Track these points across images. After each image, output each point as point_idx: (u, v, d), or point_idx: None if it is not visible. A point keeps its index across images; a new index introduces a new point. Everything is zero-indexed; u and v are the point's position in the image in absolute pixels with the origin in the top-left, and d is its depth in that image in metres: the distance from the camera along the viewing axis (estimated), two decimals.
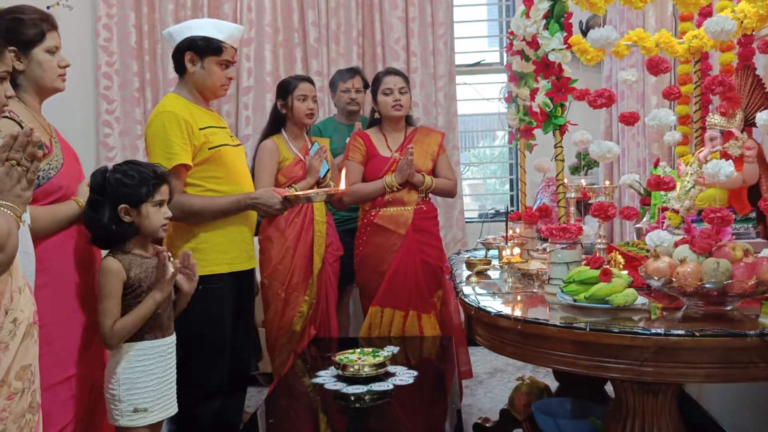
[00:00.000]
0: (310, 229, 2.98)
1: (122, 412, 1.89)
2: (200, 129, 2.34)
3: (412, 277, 3.05)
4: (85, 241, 1.96)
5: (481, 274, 2.52)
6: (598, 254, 2.12)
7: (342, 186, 2.68)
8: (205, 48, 2.37)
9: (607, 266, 1.80)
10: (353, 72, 3.68)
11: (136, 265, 1.95)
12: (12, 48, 1.86)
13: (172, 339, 2.03)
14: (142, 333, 1.94)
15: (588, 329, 1.59)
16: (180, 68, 2.42)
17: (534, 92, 2.65)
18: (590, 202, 2.34)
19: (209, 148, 2.35)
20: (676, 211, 2.39)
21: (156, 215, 1.97)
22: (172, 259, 2.03)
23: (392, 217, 3.06)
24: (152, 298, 1.93)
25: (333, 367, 2.38)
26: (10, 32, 1.86)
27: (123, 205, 1.91)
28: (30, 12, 1.92)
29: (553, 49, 2.07)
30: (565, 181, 2.17)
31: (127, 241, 1.95)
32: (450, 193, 3.25)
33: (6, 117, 1.79)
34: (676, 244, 1.79)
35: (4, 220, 1.24)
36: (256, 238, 2.82)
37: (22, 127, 1.79)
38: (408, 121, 3.20)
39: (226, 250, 2.40)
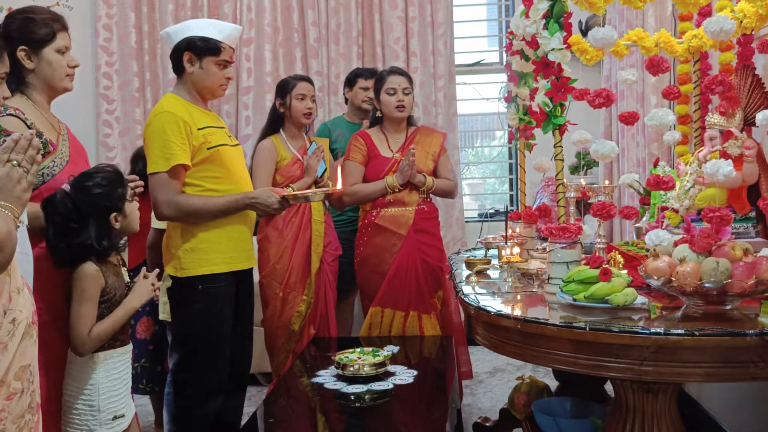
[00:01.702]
0: (308, 228, 2.98)
1: (101, 421, 1.85)
2: (199, 129, 2.34)
3: (413, 278, 3.05)
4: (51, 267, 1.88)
5: (480, 273, 2.52)
6: (597, 254, 2.12)
7: (339, 185, 2.68)
8: (203, 48, 2.36)
9: (607, 266, 1.80)
10: (374, 74, 3.67)
11: (110, 273, 1.92)
12: (23, 47, 1.88)
13: (130, 347, 2.02)
14: (114, 341, 1.91)
15: (588, 329, 1.59)
16: (178, 68, 2.42)
17: (533, 92, 2.65)
18: (590, 201, 2.34)
19: (208, 148, 2.35)
20: (676, 211, 2.39)
21: (134, 210, 1.98)
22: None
23: (393, 218, 3.06)
24: (129, 305, 1.91)
25: (333, 367, 2.38)
26: (21, 31, 1.89)
27: (113, 214, 1.89)
28: (42, 12, 1.95)
29: (553, 49, 2.07)
30: (565, 180, 2.17)
31: (112, 252, 1.93)
32: (451, 193, 3.25)
33: (12, 115, 1.80)
34: (675, 244, 1.79)
35: (4, 221, 1.24)
36: (254, 238, 2.82)
37: (28, 126, 1.80)
38: (409, 121, 3.19)
39: (225, 250, 2.40)
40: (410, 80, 3.12)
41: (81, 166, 2.01)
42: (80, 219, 1.84)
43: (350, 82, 3.65)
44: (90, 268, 1.86)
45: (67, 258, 1.86)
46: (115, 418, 1.88)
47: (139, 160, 2.87)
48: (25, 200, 1.32)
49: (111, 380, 1.89)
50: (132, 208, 1.96)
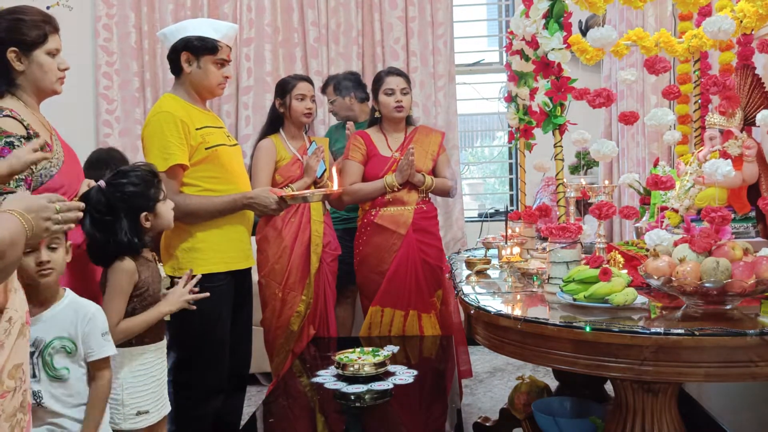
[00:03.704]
0: (307, 228, 2.98)
1: (125, 415, 1.89)
2: (197, 129, 2.34)
3: (413, 277, 3.05)
4: (85, 262, 1.94)
5: (480, 273, 2.52)
6: (597, 253, 2.12)
7: (336, 185, 2.68)
8: (200, 48, 2.37)
9: (607, 265, 1.80)
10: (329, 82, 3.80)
11: (144, 267, 1.96)
12: (13, 48, 1.86)
13: (165, 342, 2.06)
14: (143, 337, 1.95)
15: (588, 329, 1.59)
16: (176, 69, 2.42)
17: (533, 92, 2.65)
18: (590, 201, 2.34)
19: (206, 148, 2.35)
20: (676, 211, 2.39)
21: (168, 211, 2.01)
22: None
23: (392, 217, 3.06)
24: (159, 310, 1.96)
25: (333, 367, 2.38)
26: (11, 32, 1.86)
27: (144, 213, 1.92)
28: (33, 13, 1.91)
29: (553, 49, 2.06)
30: (565, 180, 2.17)
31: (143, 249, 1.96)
32: (450, 193, 3.25)
33: (8, 116, 1.79)
34: (675, 244, 1.79)
35: (10, 229, 1.25)
36: (253, 238, 2.82)
37: (25, 126, 1.80)
38: (408, 120, 3.19)
39: (223, 249, 2.41)
40: (408, 80, 3.12)
41: (74, 167, 2.00)
42: (113, 214, 1.88)
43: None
44: (127, 264, 1.91)
45: (103, 252, 1.90)
46: (138, 413, 1.91)
47: (103, 166, 2.70)
48: (41, 237, 1.37)
49: (135, 376, 1.91)
50: (165, 207, 2.00)
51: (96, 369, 1.73)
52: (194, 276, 2.11)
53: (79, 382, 1.71)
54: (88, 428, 1.70)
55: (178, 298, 2.02)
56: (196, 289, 2.09)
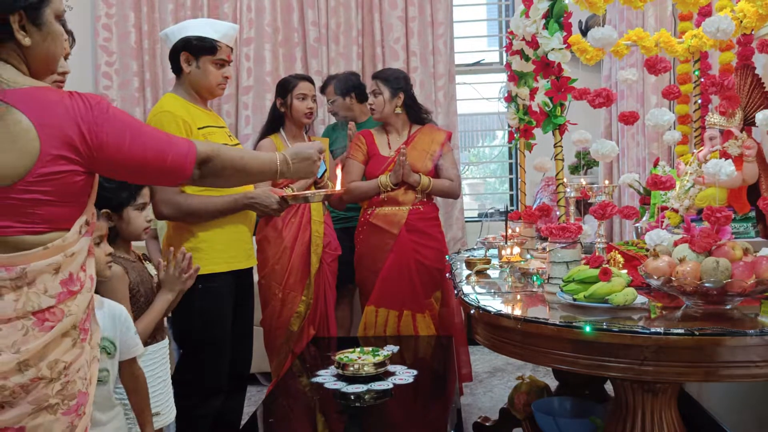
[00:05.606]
0: (308, 229, 2.98)
1: (134, 420, 1.83)
2: (198, 129, 2.34)
3: (406, 278, 3.04)
4: None
5: (480, 273, 2.52)
6: (597, 253, 2.12)
7: (338, 186, 2.68)
8: (199, 47, 2.37)
9: (607, 265, 1.80)
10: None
11: (130, 268, 1.92)
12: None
13: (166, 341, 2.03)
14: (144, 338, 1.92)
15: (588, 329, 1.59)
16: (177, 69, 2.42)
17: (533, 92, 2.65)
18: (590, 201, 2.34)
19: None
20: (676, 211, 2.39)
21: (138, 219, 1.94)
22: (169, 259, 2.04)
23: (386, 217, 3.06)
24: (164, 298, 1.94)
25: (333, 367, 2.38)
26: None
27: (104, 210, 1.86)
28: None
29: (553, 49, 2.07)
30: (565, 180, 2.17)
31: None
32: (451, 194, 3.23)
33: None
34: (675, 244, 1.79)
35: (250, 159, 1.58)
36: (254, 238, 2.82)
37: None
38: (416, 119, 3.18)
39: (224, 249, 2.40)
40: (384, 80, 3.09)
41: None
42: None
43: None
44: (114, 268, 1.85)
45: None
46: None
47: None
48: (305, 175, 1.78)
49: None
50: (136, 216, 1.94)
51: (132, 365, 1.75)
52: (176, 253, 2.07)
53: (113, 383, 1.71)
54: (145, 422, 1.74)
55: (172, 277, 1.99)
56: (191, 270, 2.05)
